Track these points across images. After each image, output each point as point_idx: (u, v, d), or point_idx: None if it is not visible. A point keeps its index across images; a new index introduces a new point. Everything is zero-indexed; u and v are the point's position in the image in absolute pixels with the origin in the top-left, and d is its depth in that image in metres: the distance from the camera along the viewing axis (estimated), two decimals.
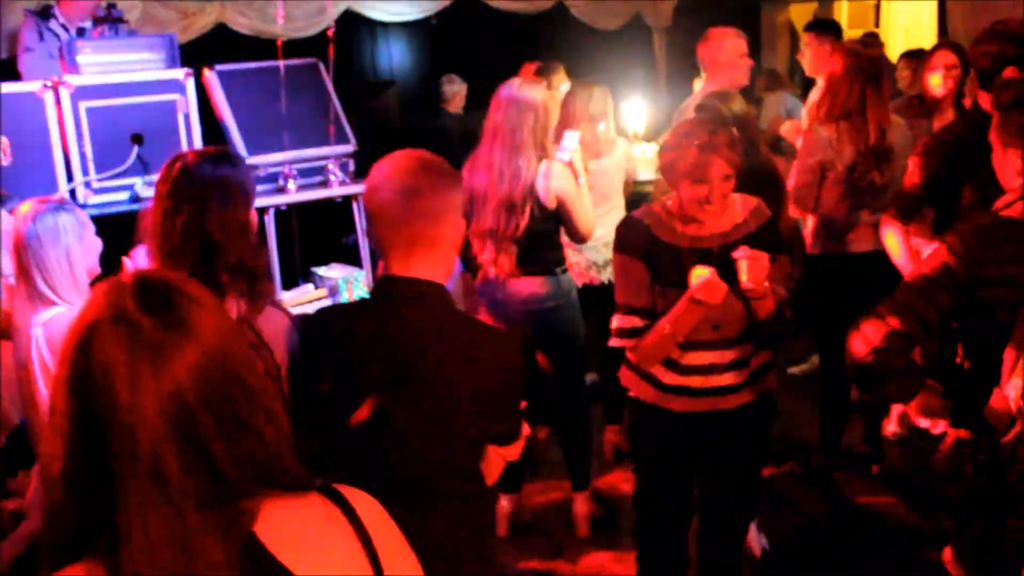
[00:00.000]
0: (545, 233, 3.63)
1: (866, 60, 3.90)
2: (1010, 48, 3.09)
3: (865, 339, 2.26)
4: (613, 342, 2.71)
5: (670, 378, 2.70)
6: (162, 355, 1.04)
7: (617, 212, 4.26)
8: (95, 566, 1.05)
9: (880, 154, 3.87)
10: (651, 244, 2.63)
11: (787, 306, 2.65)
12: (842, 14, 9.71)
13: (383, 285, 1.98)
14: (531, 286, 3.64)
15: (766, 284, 2.48)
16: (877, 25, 9.39)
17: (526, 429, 2.13)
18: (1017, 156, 2.28)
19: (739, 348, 2.65)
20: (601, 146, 4.24)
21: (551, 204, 3.55)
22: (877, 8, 9.73)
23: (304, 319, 2.19)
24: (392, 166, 1.95)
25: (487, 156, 3.58)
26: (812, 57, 5.23)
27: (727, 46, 4.65)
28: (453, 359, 1.91)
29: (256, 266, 2.17)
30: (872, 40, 4.91)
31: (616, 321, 2.70)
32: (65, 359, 1.07)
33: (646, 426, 2.84)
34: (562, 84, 5.19)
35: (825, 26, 5.56)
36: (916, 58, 5.37)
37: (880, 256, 3.80)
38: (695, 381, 2.68)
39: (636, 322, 2.64)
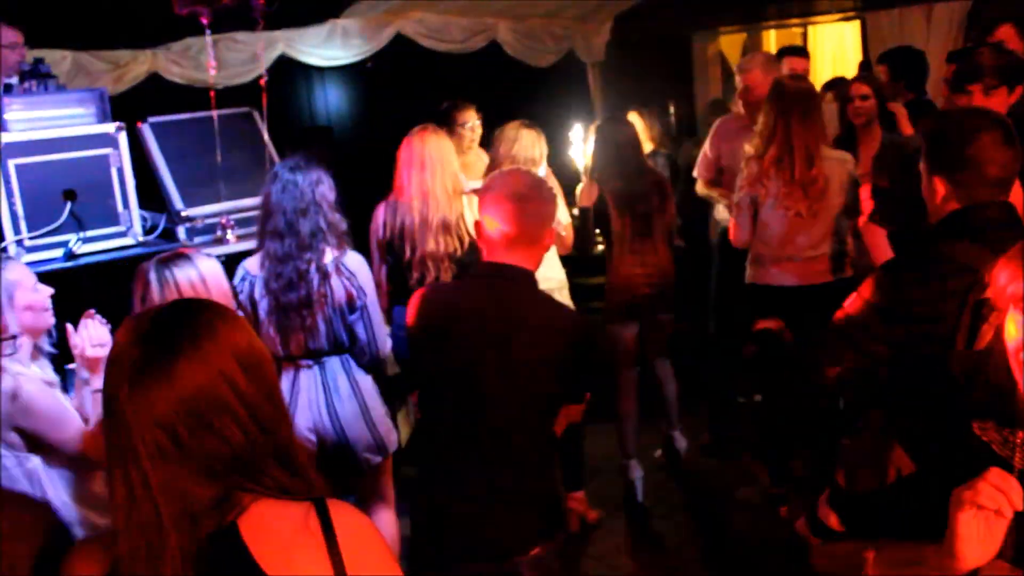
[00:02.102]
0: (473, 264, 3.81)
1: (792, 93, 4.02)
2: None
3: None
4: None
5: None
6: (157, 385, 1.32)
7: (546, 263, 4.21)
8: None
9: (806, 187, 3.99)
10: None
11: None
12: (771, 42, 9.94)
13: (488, 268, 2.54)
14: None
15: None
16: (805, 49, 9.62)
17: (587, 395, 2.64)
18: (942, 184, 2.32)
19: None
20: None
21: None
22: (804, 34, 9.98)
23: (425, 289, 2.70)
24: (512, 176, 2.60)
25: (418, 185, 3.98)
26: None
27: None
28: (536, 327, 2.45)
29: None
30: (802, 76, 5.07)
31: None
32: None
33: None
34: (470, 121, 5.28)
35: (800, 52, 5.80)
36: (837, 88, 5.55)
37: (804, 291, 3.97)
38: None
39: None
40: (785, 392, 4.36)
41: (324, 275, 3.38)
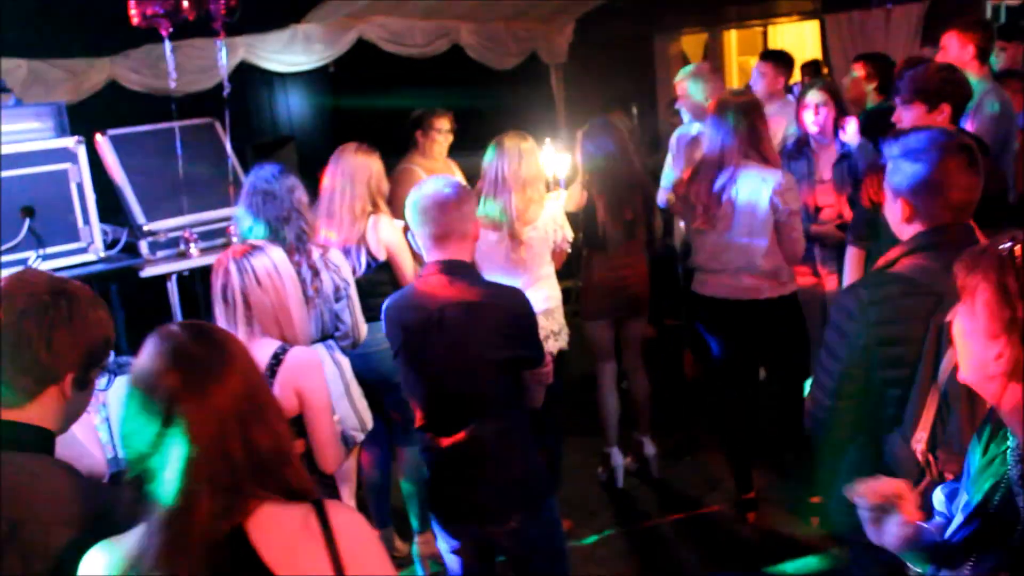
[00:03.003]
0: (377, 282, 3.97)
1: (732, 107, 4.06)
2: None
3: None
4: None
5: None
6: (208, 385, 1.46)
7: (546, 283, 4.27)
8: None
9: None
10: None
11: None
12: (731, 41, 10.01)
13: (433, 267, 2.86)
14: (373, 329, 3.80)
15: None
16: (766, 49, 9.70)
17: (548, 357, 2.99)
18: (906, 205, 2.33)
19: None
20: (529, 212, 4.18)
21: (381, 255, 3.97)
22: (764, 34, 10.06)
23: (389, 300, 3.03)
24: (430, 185, 2.92)
25: (327, 206, 3.99)
26: (767, 86, 5.48)
27: None
28: (476, 304, 2.82)
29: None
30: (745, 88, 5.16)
31: None
32: None
33: None
34: (446, 128, 5.27)
35: (780, 57, 5.85)
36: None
37: (740, 304, 4.07)
38: None
39: None
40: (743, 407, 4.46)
41: (315, 272, 3.58)
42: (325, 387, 2.81)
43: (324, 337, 3.69)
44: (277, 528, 1.46)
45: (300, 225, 3.55)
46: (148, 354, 1.49)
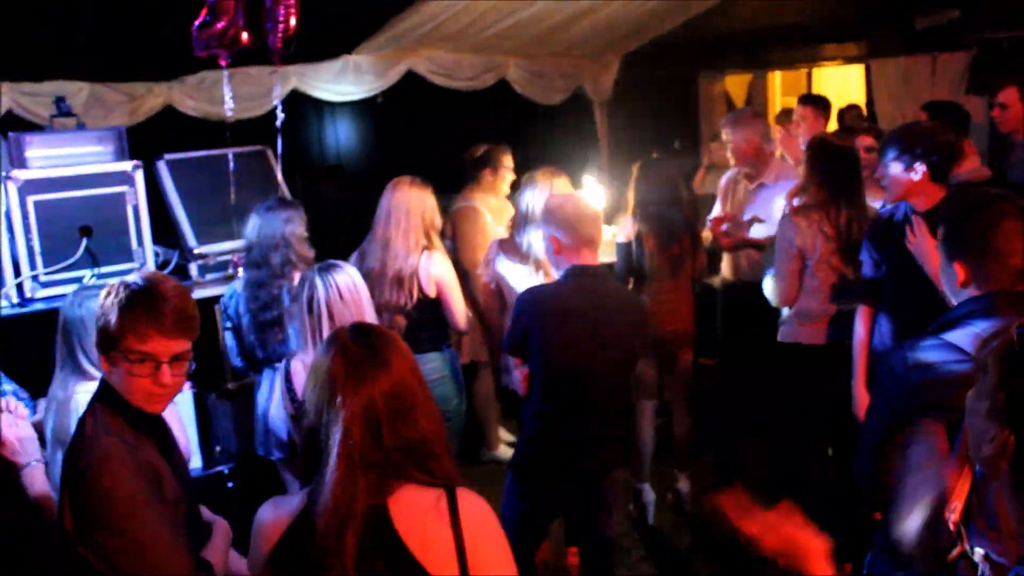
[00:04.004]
0: (423, 317, 4.07)
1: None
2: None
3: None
4: None
5: None
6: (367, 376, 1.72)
7: None
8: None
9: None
10: None
11: None
12: (775, 83, 10.05)
13: (577, 270, 3.25)
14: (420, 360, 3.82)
15: None
16: (809, 92, 9.72)
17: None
18: (962, 269, 2.28)
19: None
20: None
21: (431, 291, 4.04)
22: (809, 76, 10.08)
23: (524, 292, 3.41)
24: (577, 198, 3.50)
25: (383, 234, 4.06)
26: (807, 130, 5.58)
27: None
28: (616, 307, 3.28)
29: None
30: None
31: None
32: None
33: None
34: (510, 163, 5.33)
35: (819, 101, 5.94)
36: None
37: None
38: None
39: None
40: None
41: (294, 297, 3.69)
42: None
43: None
44: (413, 507, 1.70)
45: (287, 254, 3.83)
46: (325, 345, 1.80)
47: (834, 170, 4.12)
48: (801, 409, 4.37)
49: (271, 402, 3.70)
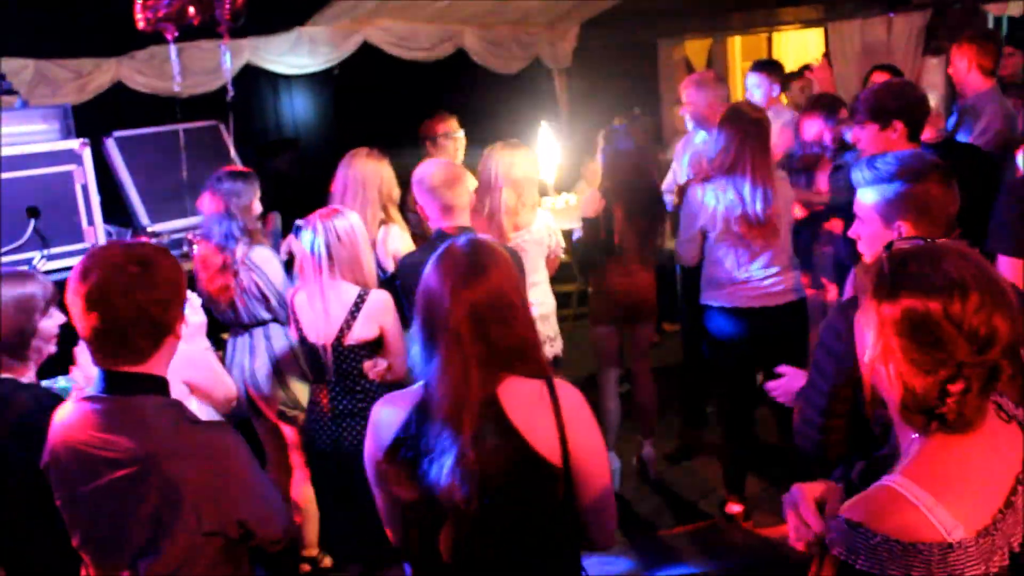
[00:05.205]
0: (388, 289, 3.96)
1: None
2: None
3: None
4: None
5: None
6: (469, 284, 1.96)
7: (539, 289, 4.26)
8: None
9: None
10: None
11: None
12: (735, 48, 10.03)
13: (441, 234, 3.50)
14: None
15: None
16: (769, 55, 9.72)
17: None
18: (910, 229, 2.33)
19: None
20: (523, 217, 4.20)
21: (389, 266, 3.99)
22: (769, 40, 10.08)
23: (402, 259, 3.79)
24: (443, 165, 3.69)
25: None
26: (764, 95, 5.57)
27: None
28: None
29: None
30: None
31: None
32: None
33: None
34: (452, 132, 5.27)
35: (771, 65, 5.94)
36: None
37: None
38: None
39: None
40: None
41: (235, 272, 3.94)
42: (397, 319, 3.49)
43: (256, 323, 4.04)
44: (519, 395, 1.97)
45: (229, 226, 3.92)
46: (436, 258, 2.03)
47: (744, 137, 4.07)
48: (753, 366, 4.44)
49: (255, 361, 4.02)
